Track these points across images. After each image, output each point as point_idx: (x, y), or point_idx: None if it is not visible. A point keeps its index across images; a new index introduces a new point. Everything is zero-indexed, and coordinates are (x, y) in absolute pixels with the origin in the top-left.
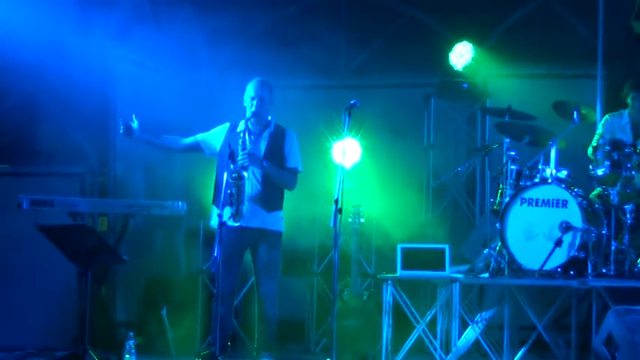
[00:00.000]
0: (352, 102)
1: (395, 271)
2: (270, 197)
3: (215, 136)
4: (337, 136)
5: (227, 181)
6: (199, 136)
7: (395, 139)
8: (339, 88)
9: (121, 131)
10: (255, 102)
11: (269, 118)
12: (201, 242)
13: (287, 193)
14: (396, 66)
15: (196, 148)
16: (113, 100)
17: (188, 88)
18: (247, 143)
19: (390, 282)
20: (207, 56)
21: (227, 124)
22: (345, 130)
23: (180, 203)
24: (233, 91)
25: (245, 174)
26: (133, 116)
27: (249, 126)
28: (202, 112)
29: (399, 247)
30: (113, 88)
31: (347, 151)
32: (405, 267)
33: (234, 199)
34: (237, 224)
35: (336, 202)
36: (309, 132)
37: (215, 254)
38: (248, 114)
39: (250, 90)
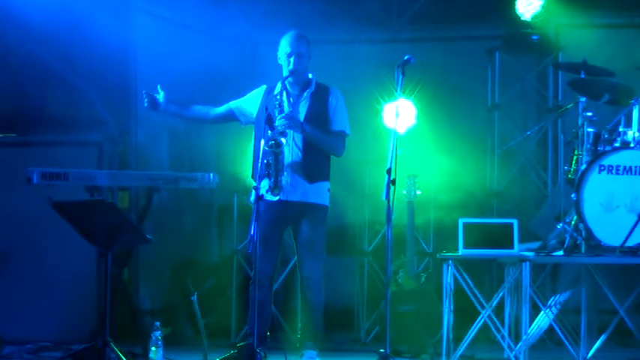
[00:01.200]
0: (406, 58)
1: (456, 249)
2: (314, 166)
3: (250, 102)
4: (389, 96)
5: (264, 149)
6: (233, 104)
7: (455, 100)
8: (390, 42)
9: (145, 104)
10: (292, 59)
11: (309, 76)
12: (235, 219)
13: (333, 163)
14: (456, 16)
15: (231, 117)
16: (133, 59)
17: (218, 44)
18: (285, 106)
19: (450, 262)
20: (238, 8)
21: (263, 87)
22: (399, 89)
23: (211, 175)
24: (268, 47)
25: (283, 140)
26: (158, 87)
27: (288, 86)
28: (234, 71)
29: (460, 222)
30: (133, 45)
31: (400, 113)
32: (467, 245)
33: (271, 169)
34: (276, 198)
35: (389, 171)
36: (358, 92)
37: (252, 232)
38: (285, 73)
39: (285, 46)
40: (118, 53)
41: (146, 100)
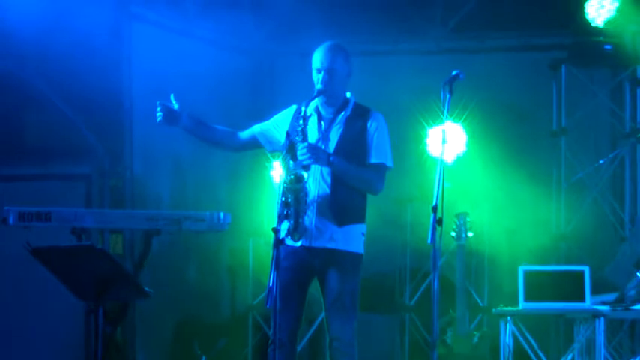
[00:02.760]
0: (454, 73)
1: (516, 302)
2: (345, 206)
3: (278, 125)
4: (434, 120)
5: (283, 185)
6: (256, 128)
7: (512, 123)
8: (434, 54)
9: (159, 119)
10: (321, 76)
11: (347, 95)
12: (251, 268)
13: (368, 201)
14: (512, 23)
15: (255, 144)
16: (127, 75)
17: (229, 56)
18: (313, 131)
19: (509, 318)
20: (253, 15)
21: (293, 107)
22: (445, 111)
23: (222, 215)
24: (289, 59)
25: (304, 175)
26: (172, 96)
27: (320, 108)
28: (249, 88)
29: (520, 269)
30: (127, 58)
31: (448, 140)
32: (529, 297)
33: (290, 209)
34: (299, 243)
35: (434, 209)
36: (395, 115)
37: (270, 284)
38: (314, 93)
39: (316, 60)
40: (109, 68)
41: (160, 113)
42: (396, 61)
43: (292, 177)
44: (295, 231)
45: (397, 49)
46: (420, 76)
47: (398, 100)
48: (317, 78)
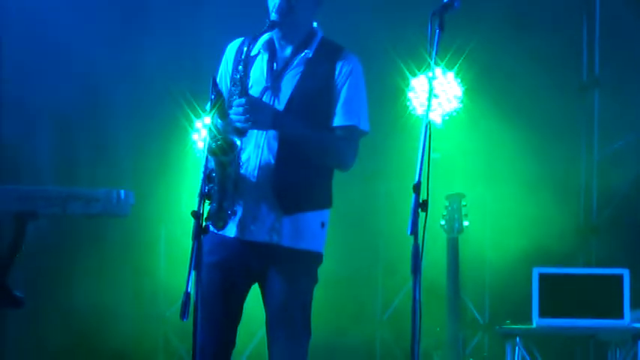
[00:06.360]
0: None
1: (528, 319)
2: (295, 185)
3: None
4: (419, 66)
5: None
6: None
7: (525, 71)
8: None
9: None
10: (277, 1)
11: (314, 25)
12: (162, 267)
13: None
14: None
15: None
16: None
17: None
18: (260, 78)
19: (518, 339)
20: None
21: (236, 42)
22: (434, 54)
23: (122, 193)
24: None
25: (237, 142)
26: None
27: (276, 44)
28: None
29: (535, 272)
30: None
31: (437, 92)
32: (546, 311)
33: (214, 187)
34: (233, 234)
35: (417, 188)
36: (367, 59)
37: (188, 288)
38: (265, 24)
39: None
40: None
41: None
42: None
43: (220, 143)
44: (218, 217)
45: None
46: (399, 5)
47: (369, 38)
48: (272, 3)
